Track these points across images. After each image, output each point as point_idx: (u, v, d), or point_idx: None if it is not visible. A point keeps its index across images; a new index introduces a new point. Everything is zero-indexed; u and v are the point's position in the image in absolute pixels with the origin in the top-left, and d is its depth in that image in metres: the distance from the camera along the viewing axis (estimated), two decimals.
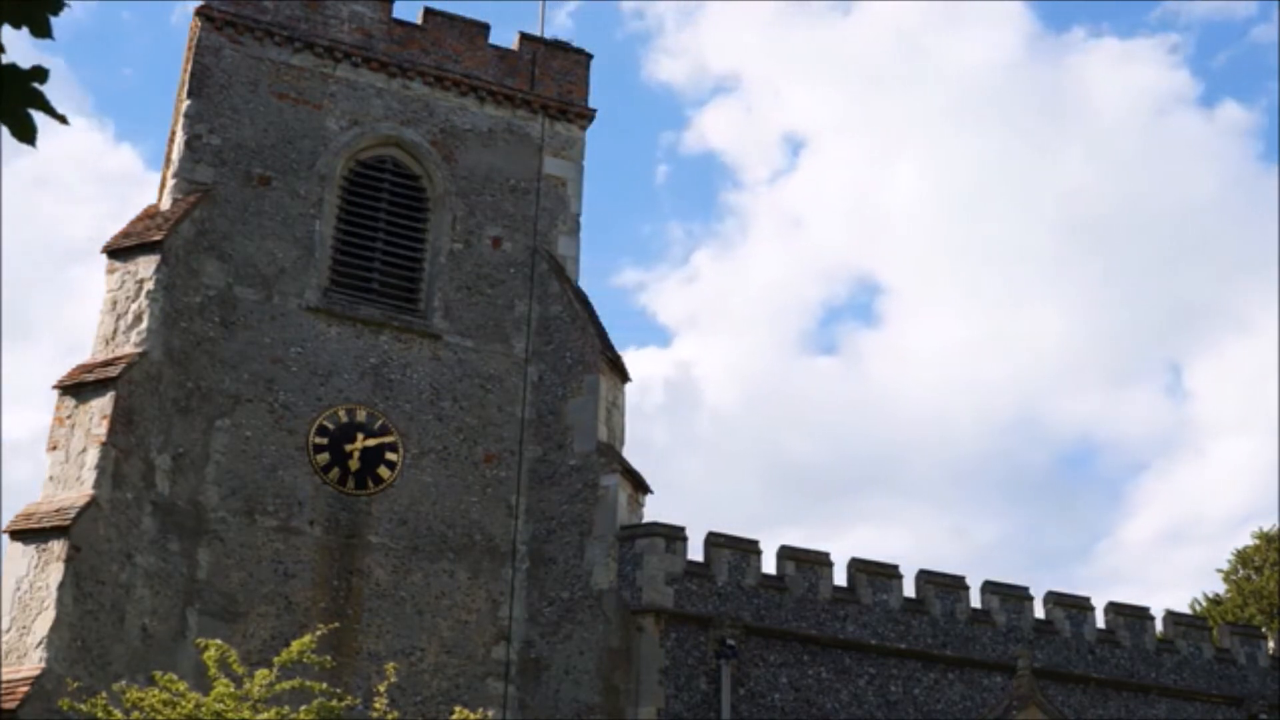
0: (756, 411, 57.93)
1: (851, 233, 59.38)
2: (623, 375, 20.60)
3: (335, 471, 19.13)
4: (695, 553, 19.20)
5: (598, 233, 61.29)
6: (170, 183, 20.09)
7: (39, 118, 4.59)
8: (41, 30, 4.45)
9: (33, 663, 15.47)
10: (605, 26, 61.55)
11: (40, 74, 4.46)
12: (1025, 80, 61.60)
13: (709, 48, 61.48)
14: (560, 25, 63.50)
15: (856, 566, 19.98)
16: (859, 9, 62.56)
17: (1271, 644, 22.46)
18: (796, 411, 57.78)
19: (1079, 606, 21.15)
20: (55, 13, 4.45)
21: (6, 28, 4.42)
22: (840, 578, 19.81)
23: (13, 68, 4.44)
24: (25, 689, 15.05)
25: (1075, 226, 57.94)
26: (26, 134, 4.49)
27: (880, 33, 60.48)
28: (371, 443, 19.42)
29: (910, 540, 54.88)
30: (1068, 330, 58.21)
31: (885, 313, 60.75)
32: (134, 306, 18.40)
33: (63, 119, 4.48)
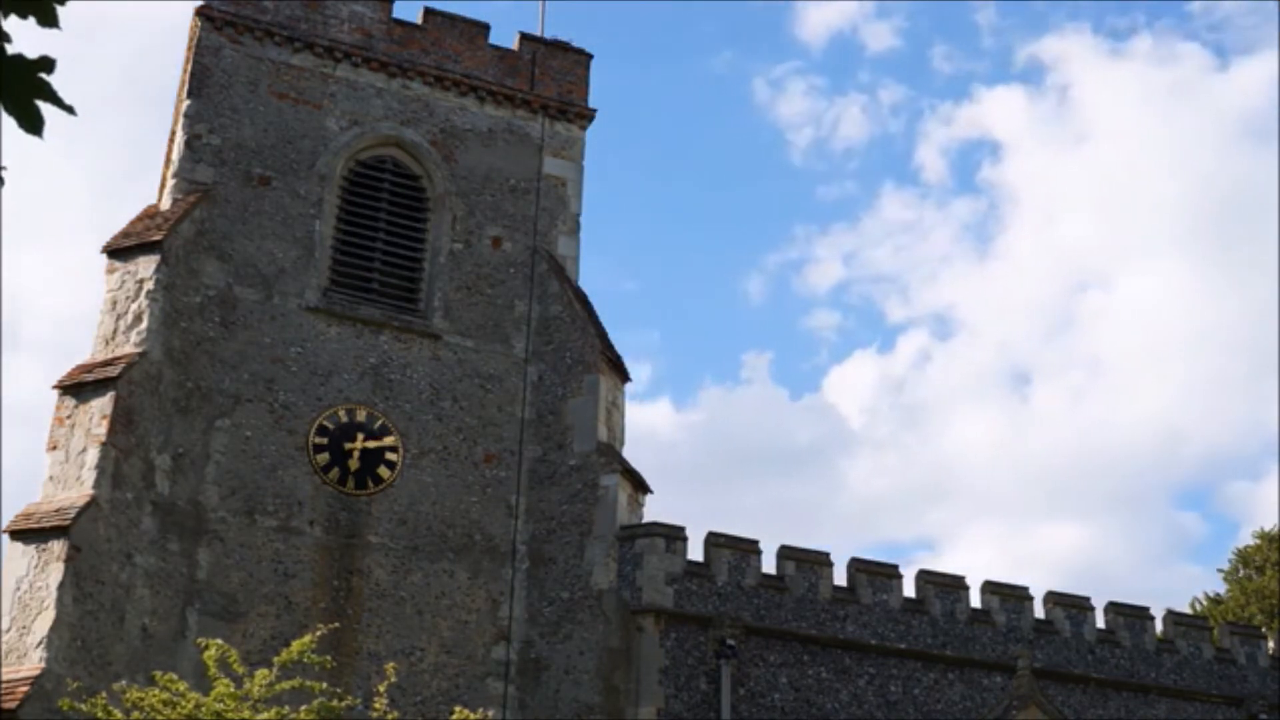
0: (990, 409, 58.66)
1: (1099, 229, 60.56)
2: (623, 375, 20.60)
3: (335, 471, 19.11)
4: (695, 552, 19.20)
5: (845, 216, 61.74)
6: (170, 183, 20.07)
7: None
8: (48, 19, 4.40)
9: (33, 663, 15.44)
10: (891, 16, 63.27)
11: (47, 64, 4.41)
12: None
13: (1010, 44, 63.19)
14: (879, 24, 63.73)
15: (856, 566, 19.97)
16: (1173, 7, 64.59)
17: (1271, 644, 22.44)
18: (1031, 409, 58.60)
19: (1079, 606, 21.12)
20: (62, 1, 4.41)
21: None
22: (840, 578, 19.80)
23: (19, 58, 4.38)
24: (25, 689, 15.02)
25: None
26: (33, 126, 4.43)
27: (1186, 46, 62.86)
28: (371, 443, 19.40)
29: (1095, 543, 54.94)
30: None
31: (1121, 313, 60.88)
32: (134, 306, 18.38)
33: (70, 109, 4.42)
